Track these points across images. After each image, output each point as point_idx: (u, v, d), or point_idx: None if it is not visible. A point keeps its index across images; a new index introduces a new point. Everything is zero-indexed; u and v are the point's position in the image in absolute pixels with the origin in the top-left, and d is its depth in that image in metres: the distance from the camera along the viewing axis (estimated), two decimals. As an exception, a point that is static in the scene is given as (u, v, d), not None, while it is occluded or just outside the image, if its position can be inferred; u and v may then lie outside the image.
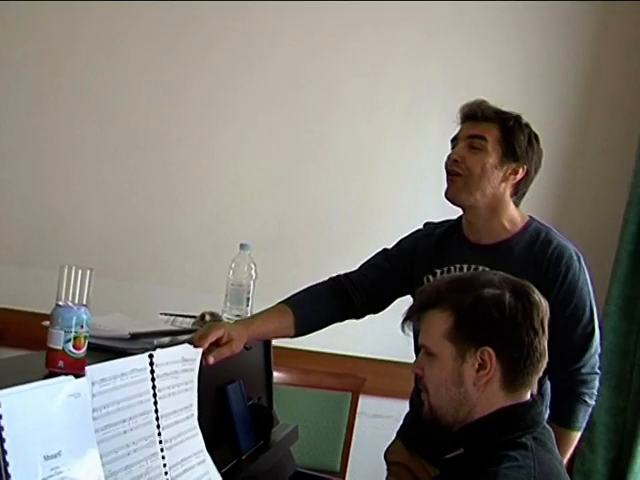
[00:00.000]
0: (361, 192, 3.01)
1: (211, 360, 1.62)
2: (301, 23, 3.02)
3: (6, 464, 0.96)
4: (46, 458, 1.05)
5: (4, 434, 0.96)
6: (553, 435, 1.38)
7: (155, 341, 1.60)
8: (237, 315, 2.01)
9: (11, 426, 0.98)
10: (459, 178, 1.87)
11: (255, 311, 1.98)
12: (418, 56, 3.04)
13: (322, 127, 2.98)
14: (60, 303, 1.32)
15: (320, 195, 2.99)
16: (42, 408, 1.07)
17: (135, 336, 1.58)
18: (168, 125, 3.04)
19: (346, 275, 2.03)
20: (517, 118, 1.92)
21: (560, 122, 3.00)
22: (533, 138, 1.92)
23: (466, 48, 3.04)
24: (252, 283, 2.05)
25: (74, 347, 1.31)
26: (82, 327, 1.32)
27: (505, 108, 1.93)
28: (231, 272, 2.05)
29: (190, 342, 1.61)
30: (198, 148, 3.00)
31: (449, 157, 1.92)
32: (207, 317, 1.97)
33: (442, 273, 1.91)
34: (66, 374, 1.24)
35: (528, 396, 1.36)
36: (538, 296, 1.36)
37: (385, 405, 2.98)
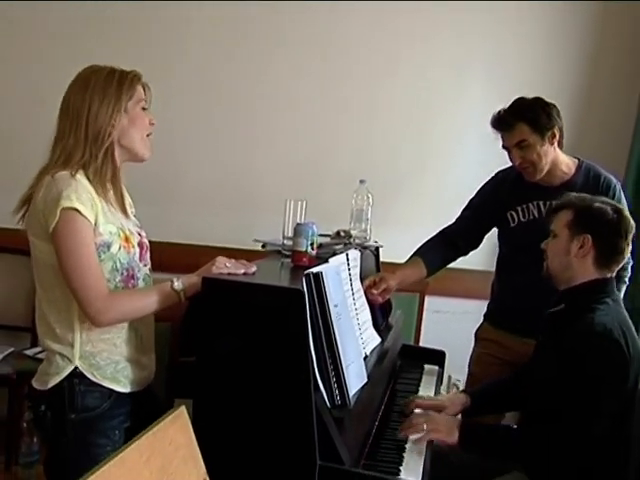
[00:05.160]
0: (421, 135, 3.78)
1: (376, 295, 2.49)
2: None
3: (329, 307, 1.72)
4: (335, 306, 1.81)
5: (328, 287, 1.72)
6: (622, 301, 2.15)
7: (335, 247, 2.33)
8: (362, 230, 2.75)
9: (325, 284, 1.73)
10: (529, 169, 2.57)
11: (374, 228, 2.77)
12: (462, 36, 3.71)
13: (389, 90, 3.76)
14: (300, 222, 2.07)
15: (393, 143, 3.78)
16: (330, 278, 1.82)
17: (320, 246, 2.31)
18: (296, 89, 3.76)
19: (449, 228, 2.79)
20: (528, 105, 2.54)
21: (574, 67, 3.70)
22: (546, 106, 2.55)
23: (502, 28, 3.70)
24: (369, 208, 2.78)
25: (311, 249, 2.04)
26: (314, 236, 2.05)
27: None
28: (353, 201, 2.78)
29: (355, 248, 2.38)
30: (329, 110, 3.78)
31: (512, 161, 2.60)
32: (341, 233, 2.70)
33: (522, 209, 2.63)
34: (307, 267, 1.98)
35: (609, 276, 2.11)
36: (628, 215, 2.10)
37: (443, 302, 3.78)
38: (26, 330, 3.44)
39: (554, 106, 2.57)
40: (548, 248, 2.16)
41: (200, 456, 1.09)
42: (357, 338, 2.07)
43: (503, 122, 2.56)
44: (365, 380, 1.92)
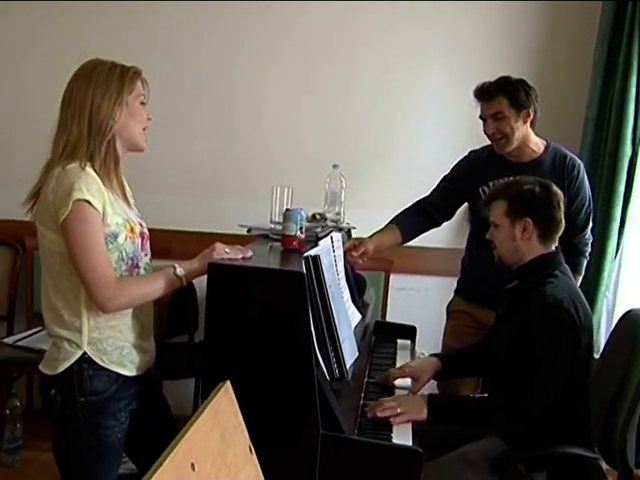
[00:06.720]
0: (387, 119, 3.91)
1: (356, 257, 2.67)
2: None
3: (326, 287, 1.84)
4: (329, 286, 1.93)
5: (323, 269, 1.84)
6: (569, 270, 2.32)
7: (317, 230, 2.45)
8: (337, 213, 2.87)
9: (322, 266, 1.85)
10: (501, 140, 2.74)
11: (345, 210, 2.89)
12: (423, 23, 3.84)
13: (355, 76, 3.88)
14: (289, 207, 2.17)
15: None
16: (325, 260, 1.94)
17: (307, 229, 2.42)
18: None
19: (425, 199, 2.94)
20: (510, 82, 2.70)
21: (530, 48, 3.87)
22: (527, 87, 2.72)
23: (460, 15, 3.83)
24: (343, 192, 2.90)
25: (300, 232, 2.15)
26: (302, 221, 2.16)
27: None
28: (327, 185, 2.90)
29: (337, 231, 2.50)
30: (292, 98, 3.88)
31: (486, 131, 2.76)
32: (317, 216, 2.82)
33: (493, 185, 2.75)
34: (297, 250, 2.10)
35: (554, 248, 2.28)
36: (555, 187, 2.26)
37: (407, 280, 3.93)
38: (3, 319, 3.47)
39: (534, 89, 2.74)
40: (494, 238, 2.30)
41: (244, 424, 1.21)
42: (347, 315, 2.20)
43: (485, 92, 2.72)
44: (357, 354, 2.06)
